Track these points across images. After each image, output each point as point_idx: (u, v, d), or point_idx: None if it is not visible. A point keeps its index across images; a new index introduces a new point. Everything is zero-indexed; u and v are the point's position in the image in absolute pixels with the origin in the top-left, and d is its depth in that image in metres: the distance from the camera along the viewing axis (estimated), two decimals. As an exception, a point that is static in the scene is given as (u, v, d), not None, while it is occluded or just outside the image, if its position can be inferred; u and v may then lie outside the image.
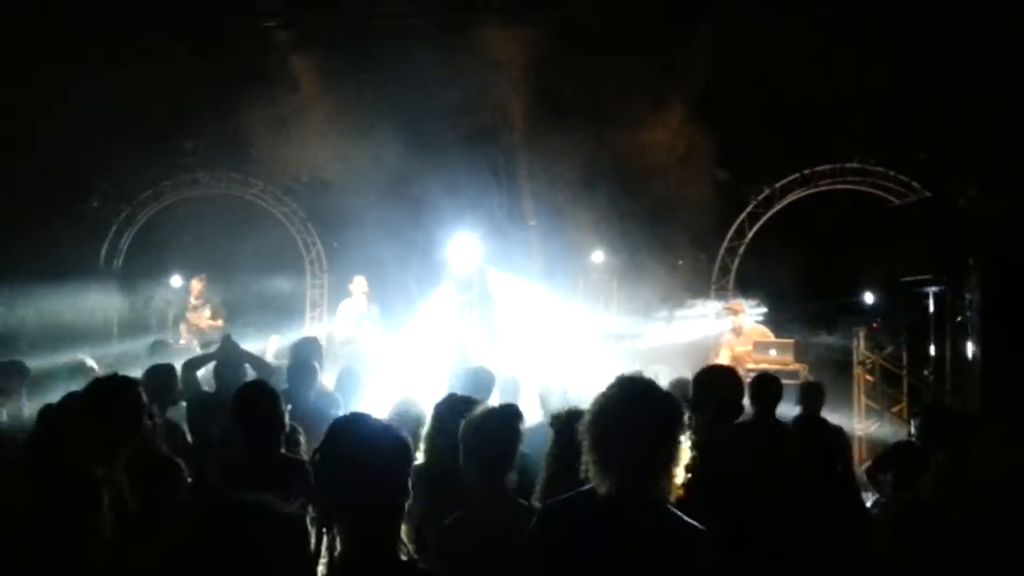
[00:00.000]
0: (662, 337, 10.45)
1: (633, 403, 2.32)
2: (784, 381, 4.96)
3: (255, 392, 3.43)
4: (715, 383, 3.84)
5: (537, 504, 2.69)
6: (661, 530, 2.28)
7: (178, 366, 5.10)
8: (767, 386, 4.96)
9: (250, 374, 5.14)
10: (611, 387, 2.41)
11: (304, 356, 5.36)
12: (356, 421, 2.08)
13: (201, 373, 5.38)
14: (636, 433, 2.27)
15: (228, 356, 5.36)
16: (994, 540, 2.87)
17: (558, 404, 4.48)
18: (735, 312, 9.62)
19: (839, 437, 3.86)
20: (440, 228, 10.70)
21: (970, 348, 8.29)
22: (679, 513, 2.32)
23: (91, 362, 5.79)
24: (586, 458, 2.33)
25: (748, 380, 5.68)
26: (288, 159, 11.40)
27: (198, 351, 8.56)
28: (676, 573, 2.26)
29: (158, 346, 7.36)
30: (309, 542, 1.40)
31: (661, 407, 2.34)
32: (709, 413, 3.74)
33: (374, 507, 1.92)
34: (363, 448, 1.97)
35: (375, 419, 2.12)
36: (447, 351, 7.78)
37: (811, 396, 5.98)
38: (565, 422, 2.93)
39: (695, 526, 2.33)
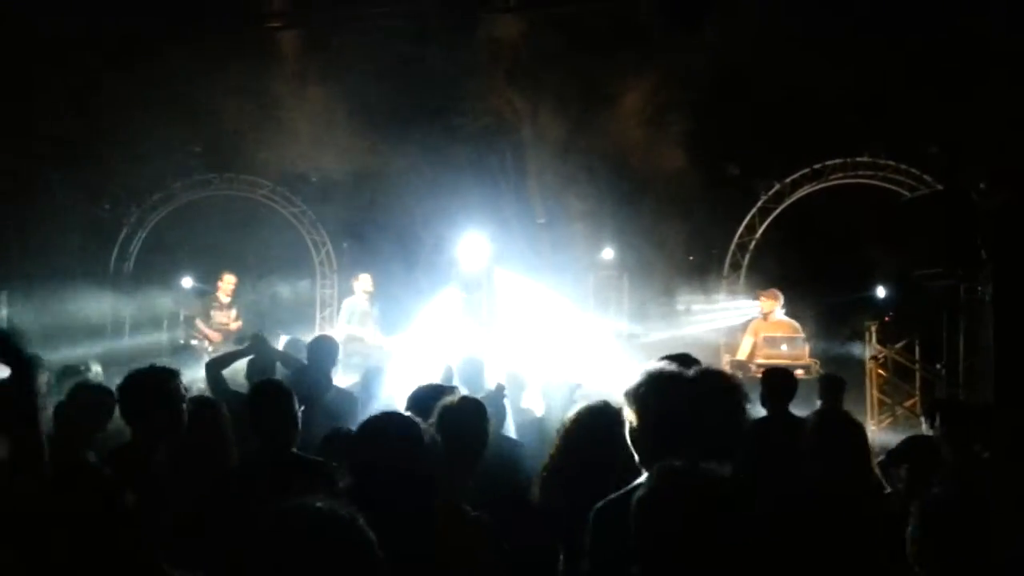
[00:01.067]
0: (673, 333, 10.43)
1: (712, 395, 2.35)
2: (799, 374, 4.93)
3: (270, 390, 3.43)
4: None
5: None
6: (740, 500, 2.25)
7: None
8: (781, 381, 4.94)
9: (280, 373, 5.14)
10: (666, 377, 2.39)
11: (319, 355, 5.31)
12: (391, 420, 2.12)
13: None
14: (713, 422, 2.29)
15: (260, 355, 5.28)
16: (1011, 535, 2.85)
17: (563, 401, 4.49)
18: (772, 300, 9.35)
19: (860, 432, 3.84)
20: (449, 227, 10.71)
21: (983, 342, 8.23)
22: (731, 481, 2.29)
23: (96, 367, 5.72)
24: (642, 452, 2.33)
25: (759, 375, 5.67)
26: (297, 159, 11.43)
27: (210, 350, 8.57)
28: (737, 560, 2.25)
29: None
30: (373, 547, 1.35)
31: (730, 394, 2.38)
32: None
33: (408, 505, 1.96)
34: (399, 446, 2.02)
35: (407, 417, 2.15)
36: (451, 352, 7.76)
37: (831, 389, 5.86)
38: (584, 421, 2.91)
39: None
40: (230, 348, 6.29)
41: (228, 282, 10.00)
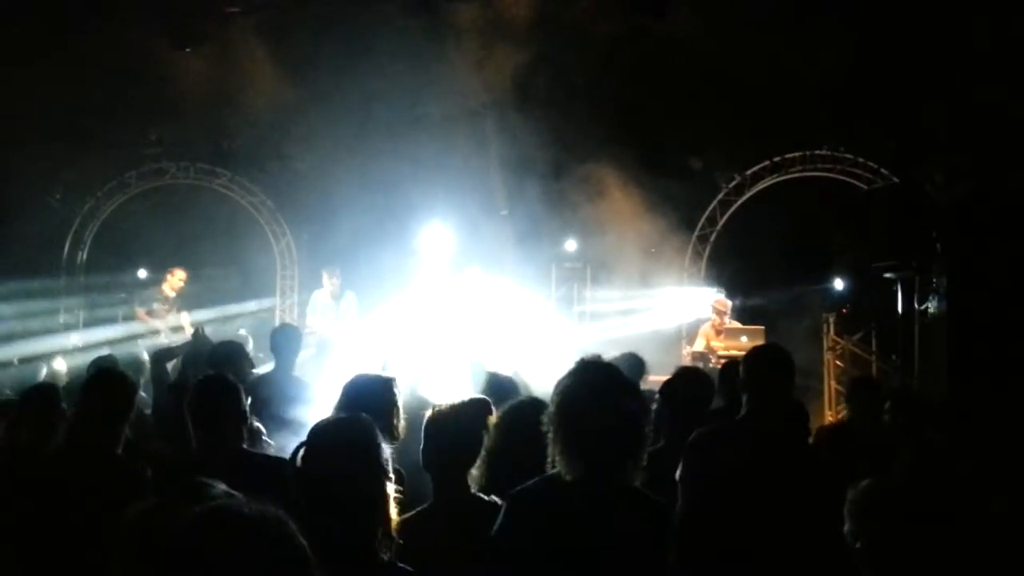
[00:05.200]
0: (634, 325, 10.47)
1: (599, 386, 2.34)
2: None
3: (214, 384, 3.34)
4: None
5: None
6: (631, 510, 2.30)
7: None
8: (738, 372, 4.96)
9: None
10: (574, 372, 2.41)
11: (276, 345, 5.24)
12: (337, 424, 2.13)
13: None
14: (602, 417, 2.27)
15: (198, 350, 5.23)
16: (958, 528, 2.89)
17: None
18: (720, 312, 9.69)
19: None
20: (412, 217, 10.62)
21: (937, 333, 8.37)
22: (645, 492, 2.35)
23: (61, 366, 5.65)
24: (552, 445, 2.34)
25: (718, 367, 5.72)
26: (255, 148, 11.26)
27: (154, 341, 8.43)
28: (648, 551, 2.29)
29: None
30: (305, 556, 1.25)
31: (626, 390, 2.37)
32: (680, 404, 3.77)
33: (351, 508, 1.93)
34: (341, 452, 1.99)
35: (357, 420, 2.12)
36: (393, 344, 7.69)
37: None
38: (515, 413, 2.87)
39: (662, 502, 2.40)
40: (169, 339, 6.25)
41: (177, 278, 9.71)
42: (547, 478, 2.38)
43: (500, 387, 3.77)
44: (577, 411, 2.31)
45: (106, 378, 3.45)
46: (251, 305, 11.15)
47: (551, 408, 2.37)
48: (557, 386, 2.40)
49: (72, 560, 2.72)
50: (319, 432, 2.10)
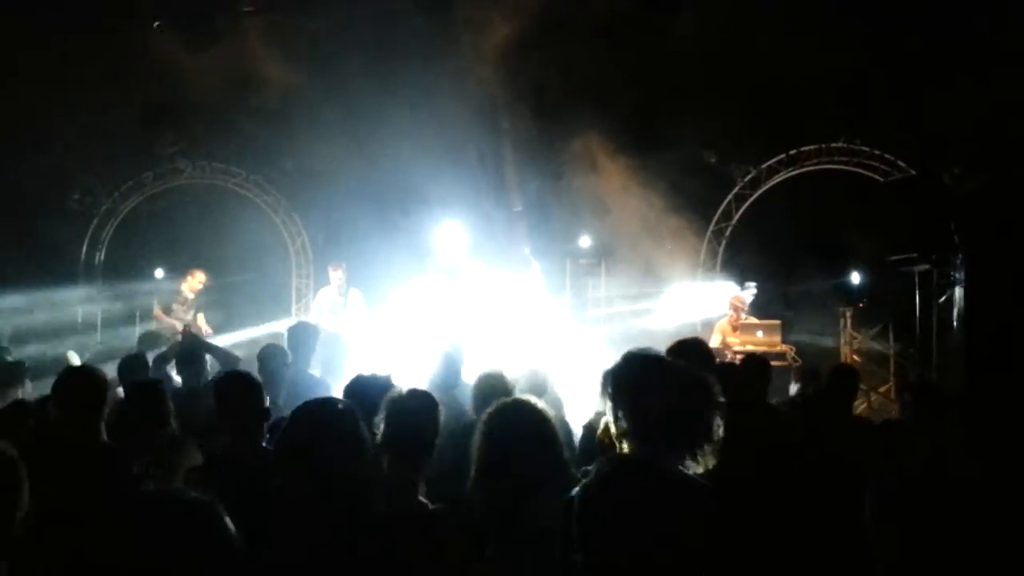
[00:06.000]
0: (650, 321, 10.45)
1: (669, 370, 2.37)
2: (775, 363, 4.95)
3: (238, 383, 3.37)
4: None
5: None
6: (686, 493, 2.27)
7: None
8: (759, 368, 4.96)
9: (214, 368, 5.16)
10: (633, 359, 2.40)
11: (292, 343, 5.33)
12: (313, 405, 2.20)
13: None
14: (677, 403, 2.28)
15: (186, 351, 5.32)
16: (979, 521, 2.86)
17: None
18: (737, 308, 9.61)
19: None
20: (426, 215, 10.64)
21: (955, 327, 8.31)
22: (693, 475, 2.30)
23: (75, 358, 5.74)
24: (615, 428, 2.34)
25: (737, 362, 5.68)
26: (271, 148, 11.30)
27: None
28: (700, 537, 2.26)
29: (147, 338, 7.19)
30: (221, 525, 1.35)
31: (696, 378, 2.37)
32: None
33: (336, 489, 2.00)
34: (316, 435, 2.06)
35: (331, 403, 2.21)
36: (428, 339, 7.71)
37: (810, 379, 5.95)
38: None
39: (712, 487, 2.34)
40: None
41: (197, 280, 9.74)
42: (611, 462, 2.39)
43: (492, 387, 3.81)
44: (649, 391, 2.32)
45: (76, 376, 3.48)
46: (273, 325, 10.95)
47: (618, 390, 2.36)
48: (618, 373, 2.38)
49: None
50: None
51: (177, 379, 5.24)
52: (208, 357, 5.34)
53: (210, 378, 5.01)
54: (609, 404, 2.37)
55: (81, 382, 3.36)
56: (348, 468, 2.03)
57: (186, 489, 1.38)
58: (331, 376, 5.43)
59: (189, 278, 9.78)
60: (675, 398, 2.29)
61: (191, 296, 9.77)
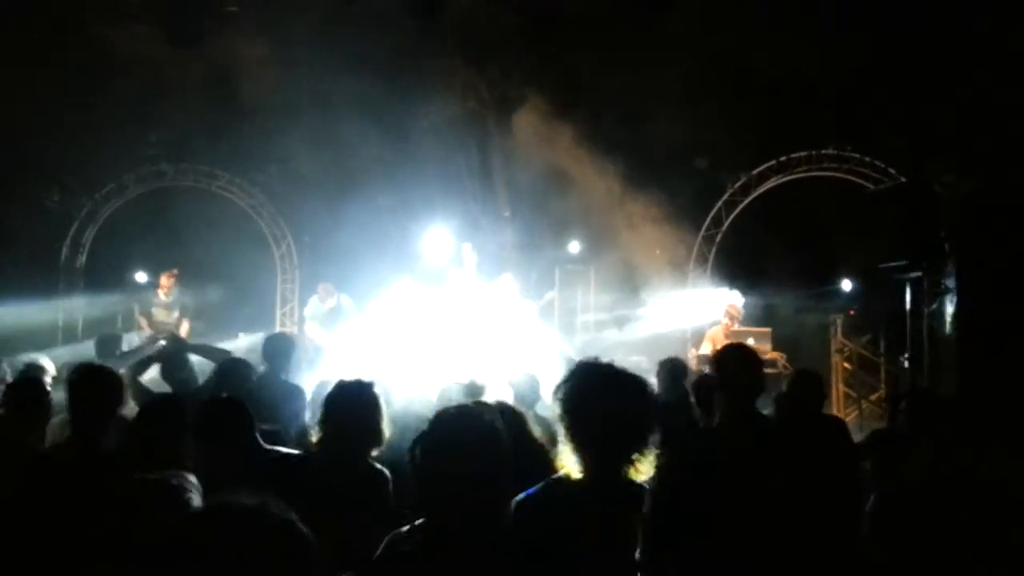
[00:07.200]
0: (639, 327, 10.34)
1: (607, 382, 2.39)
2: (769, 370, 4.85)
3: (221, 411, 3.28)
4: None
5: None
6: (633, 506, 2.25)
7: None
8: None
9: (198, 370, 5.00)
10: (577, 372, 2.45)
11: (268, 354, 5.15)
12: (461, 414, 2.15)
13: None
14: (613, 410, 2.33)
15: (171, 355, 5.13)
16: (980, 529, 2.77)
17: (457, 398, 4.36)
18: (732, 317, 9.55)
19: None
20: (414, 219, 10.51)
21: (946, 333, 8.26)
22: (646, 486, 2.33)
23: (48, 365, 5.52)
24: (561, 444, 2.39)
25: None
26: (255, 151, 11.16)
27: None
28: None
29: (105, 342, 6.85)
30: (308, 547, 1.27)
31: (634, 384, 2.41)
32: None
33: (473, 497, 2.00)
34: (466, 439, 2.05)
35: (477, 411, 2.17)
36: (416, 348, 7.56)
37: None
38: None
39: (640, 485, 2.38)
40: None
41: (165, 281, 9.88)
42: (552, 480, 2.42)
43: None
44: (580, 410, 2.37)
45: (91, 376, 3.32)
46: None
47: (560, 405, 2.40)
48: (563, 386, 2.42)
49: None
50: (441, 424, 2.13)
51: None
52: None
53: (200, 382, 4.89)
54: (558, 412, 2.41)
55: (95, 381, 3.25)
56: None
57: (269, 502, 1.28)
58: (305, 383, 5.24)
59: (162, 281, 9.93)
60: (615, 407, 2.33)
61: (167, 298, 9.80)
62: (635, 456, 2.33)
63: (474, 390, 4.57)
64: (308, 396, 4.71)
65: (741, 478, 2.95)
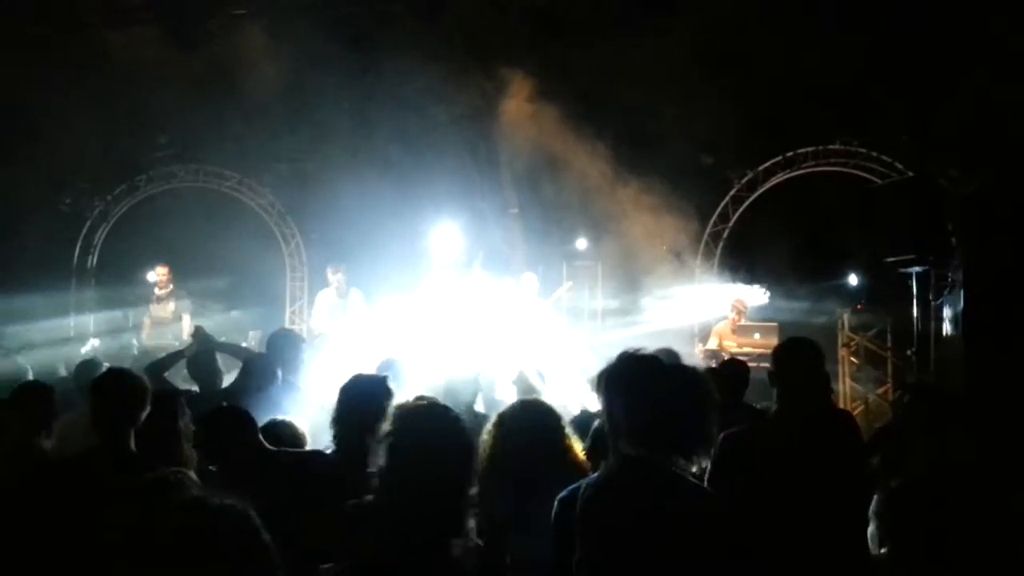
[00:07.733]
0: (647, 323, 10.39)
1: (662, 370, 2.34)
2: (767, 365, 4.88)
3: (225, 420, 3.25)
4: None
5: None
6: (685, 494, 2.25)
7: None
8: (736, 371, 4.94)
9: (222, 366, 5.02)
10: (627, 359, 2.37)
11: (273, 349, 5.16)
12: (424, 408, 2.15)
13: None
14: (663, 398, 2.26)
15: (198, 352, 5.10)
16: (985, 522, 2.82)
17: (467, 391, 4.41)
18: (739, 311, 9.62)
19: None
20: (421, 217, 10.56)
21: (953, 328, 8.26)
22: (690, 477, 2.30)
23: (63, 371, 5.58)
24: (607, 432, 2.34)
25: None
26: (264, 151, 11.23)
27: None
28: (704, 536, 2.23)
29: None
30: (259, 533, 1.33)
31: (684, 373, 2.37)
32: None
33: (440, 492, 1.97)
34: (432, 434, 2.03)
35: (441, 406, 2.17)
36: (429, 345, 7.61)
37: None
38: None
39: (710, 490, 2.42)
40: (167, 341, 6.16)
41: (160, 275, 9.92)
42: (606, 469, 2.38)
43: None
44: (636, 391, 2.31)
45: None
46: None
47: (606, 392, 2.35)
48: (609, 372, 2.36)
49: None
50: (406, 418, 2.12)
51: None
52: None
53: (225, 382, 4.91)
54: (603, 404, 2.34)
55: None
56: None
57: (218, 493, 1.36)
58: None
59: (158, 279, 9.99)
60: (668, 398, 2.26)
61: (162, 292, 9.88)
62: (692, 451, 2.28)
63: (526, 387, 4.61)
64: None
65: (797, 472, 3.00)
